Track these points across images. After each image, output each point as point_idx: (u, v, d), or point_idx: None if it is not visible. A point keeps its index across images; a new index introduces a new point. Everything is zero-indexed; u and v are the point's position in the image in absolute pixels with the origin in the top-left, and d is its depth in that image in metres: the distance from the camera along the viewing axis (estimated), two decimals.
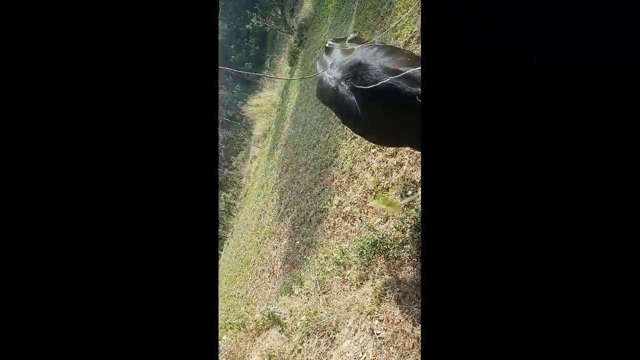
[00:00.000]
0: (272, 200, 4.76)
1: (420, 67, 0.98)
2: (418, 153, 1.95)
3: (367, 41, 1.57)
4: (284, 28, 8.46)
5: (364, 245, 1.87)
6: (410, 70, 0.96)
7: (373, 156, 2.48)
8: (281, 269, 3.55)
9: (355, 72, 1.13)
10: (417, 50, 2.38)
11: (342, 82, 1.17)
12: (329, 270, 2.11)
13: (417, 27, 2.46)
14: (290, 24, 8.05)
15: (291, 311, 2.13)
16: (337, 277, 2.00)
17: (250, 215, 5.97)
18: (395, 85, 0.97)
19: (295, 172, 4.17)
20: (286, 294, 2.52)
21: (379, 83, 0.99)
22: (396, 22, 2.78)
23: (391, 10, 2.99)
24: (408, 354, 1.34)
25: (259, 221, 5.09)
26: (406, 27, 2.62)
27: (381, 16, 3.15)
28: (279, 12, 8.69)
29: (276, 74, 7.84)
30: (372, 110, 1.10)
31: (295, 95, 5.61)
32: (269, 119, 7.20)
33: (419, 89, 0.95)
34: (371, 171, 2.44)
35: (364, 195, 2.38)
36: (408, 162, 2.06)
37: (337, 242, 2.48)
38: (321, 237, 2.77)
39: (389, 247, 1.75)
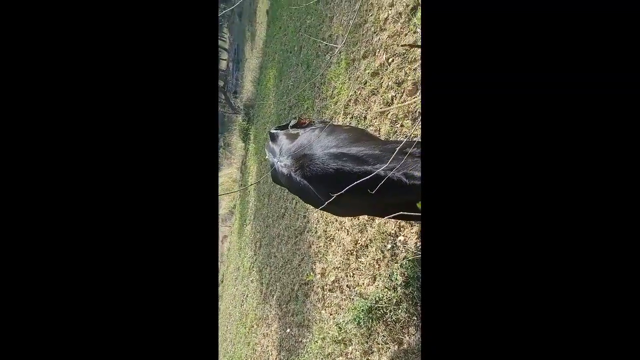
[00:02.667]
0: (251, 281, 4.44)
1: (363, 147, 1.05)
2: None
3: (308, 124, 1.67)
4: (230, 109, 8.91)
5: (359, 314, 1.75)
6: (354, 150, 1.02)
7: None
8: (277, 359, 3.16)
9: (302, 164, 1.17)
10: (357, 111, 2.58)
11: (293, 170, 1.19)
12: (330, 351, 1.92)
13: (352, 92, 2.70)
14: (235, 105, 8.53)
15: None
16: (340, 358, 1.81)
17: (231, 303, 5.48)
18: (343, 168, 1.01)
19: (270, 246, 4.00)
20: None
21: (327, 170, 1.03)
22: (332, 90, 3.05)
23: (325, 81, 3.30)
24: None
25: (241, 308, 4.66)
26: (342, 93, 2.87)
27: (317, 87, 3.45)
28: (222, 97, 9.23)
29: (231, 151, 8.00)
30: (326, 192, 1.12)
31: (255, 167, 5.68)
32: (232, 195, 7.12)
33: (366, 167, 1.00)
34: (346, 230, 2.41)
35: (345, 257, 2.31)
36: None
37: (330, 314, 2.31)
38: (312, 312, 2.57)
39: (384, 310, 1.65)
